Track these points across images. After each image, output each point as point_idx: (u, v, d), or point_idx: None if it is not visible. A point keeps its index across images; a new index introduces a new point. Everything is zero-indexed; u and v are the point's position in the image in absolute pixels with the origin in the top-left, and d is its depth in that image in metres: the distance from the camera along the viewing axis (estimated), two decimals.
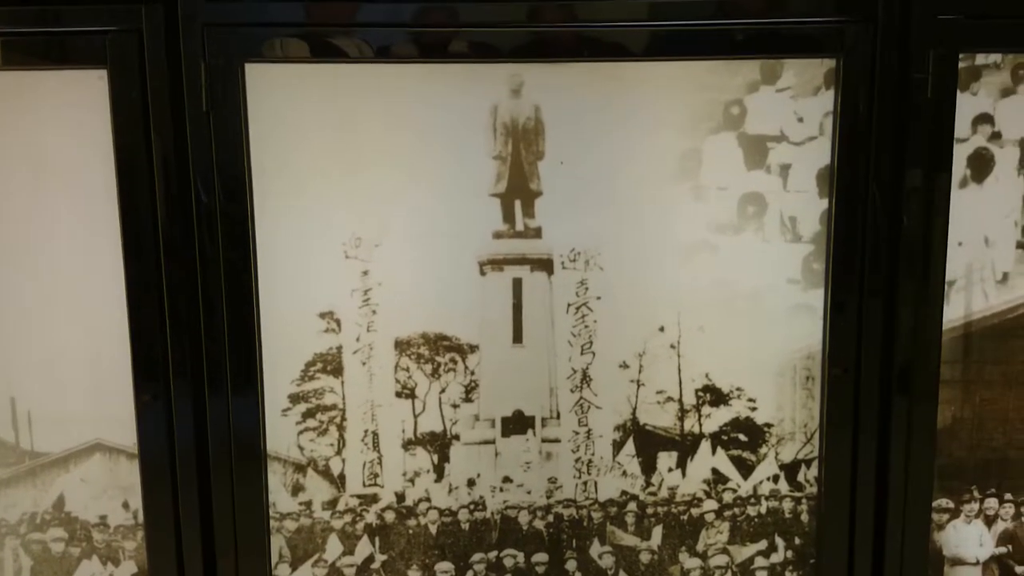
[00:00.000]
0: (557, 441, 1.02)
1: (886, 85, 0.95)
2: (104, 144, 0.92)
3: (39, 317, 0.97)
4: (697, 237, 0.98)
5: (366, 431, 1.01)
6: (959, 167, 0.98)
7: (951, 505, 1.05)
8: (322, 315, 0.98)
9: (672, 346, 1.01)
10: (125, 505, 1.02)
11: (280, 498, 1.01)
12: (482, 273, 0.99)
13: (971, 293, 1.01)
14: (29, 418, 1.00)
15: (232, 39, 0.91)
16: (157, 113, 0.92)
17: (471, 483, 1.02)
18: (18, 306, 0.97)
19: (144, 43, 0.90)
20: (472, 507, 1.03)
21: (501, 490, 1.03)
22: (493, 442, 1.02)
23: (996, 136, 0.98)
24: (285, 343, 0.98)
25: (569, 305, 1.00)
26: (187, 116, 0.91)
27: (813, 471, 1.03)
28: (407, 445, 1.01)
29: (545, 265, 0.99)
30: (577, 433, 1.02)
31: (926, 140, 0.96)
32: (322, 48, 0.92)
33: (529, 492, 1.03)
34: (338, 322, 0.98)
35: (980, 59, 0.96)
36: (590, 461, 1.03)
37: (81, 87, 0.91)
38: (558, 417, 1.02)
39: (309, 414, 1.00)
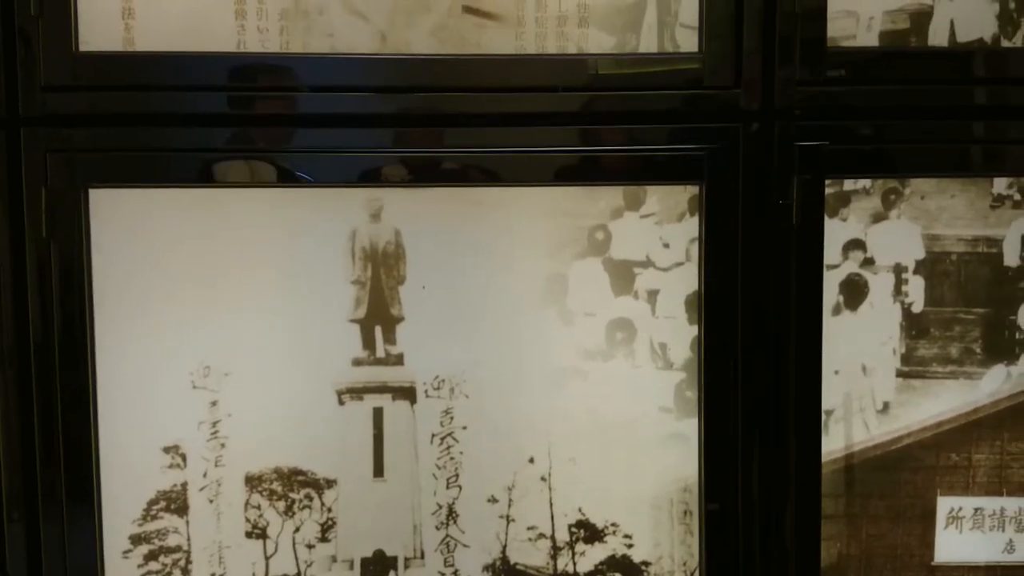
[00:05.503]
0: None
1: (750, 212, 0.93)
2: None
3: None
4: (566, 363, 0.95)
5: (213, 575, 0.94)
6: (831, 294, 0.96)
7: None
8: (166, 449, 0.93)
9: (543, 478, 0.96)
10: None
11: None
12: (340, 402, 0.94)
13: (851, 423, 0.97)
14: None
15: (75, 164, 0.88)
16: None
17: None
18: None
19: None
20: None
21: None
22: None
23: (869, 262, 0.96)
24: (126, 479, 0.92)
25: (433, 435, 0.95)
26: (26, 242, 0.88)
27: None
28: None
29: (408, 393, 0.95)
30: (443, 574, 0.96)
31: (794, 267, 0.94)
32: (168, 173, 0.90)
33: None
34: (184, 456, 0.93)
35: (849, 185, 0.95)
36: None
37: None
38: (422, 557, 0.96)
39: (152, 556, 0.93)
